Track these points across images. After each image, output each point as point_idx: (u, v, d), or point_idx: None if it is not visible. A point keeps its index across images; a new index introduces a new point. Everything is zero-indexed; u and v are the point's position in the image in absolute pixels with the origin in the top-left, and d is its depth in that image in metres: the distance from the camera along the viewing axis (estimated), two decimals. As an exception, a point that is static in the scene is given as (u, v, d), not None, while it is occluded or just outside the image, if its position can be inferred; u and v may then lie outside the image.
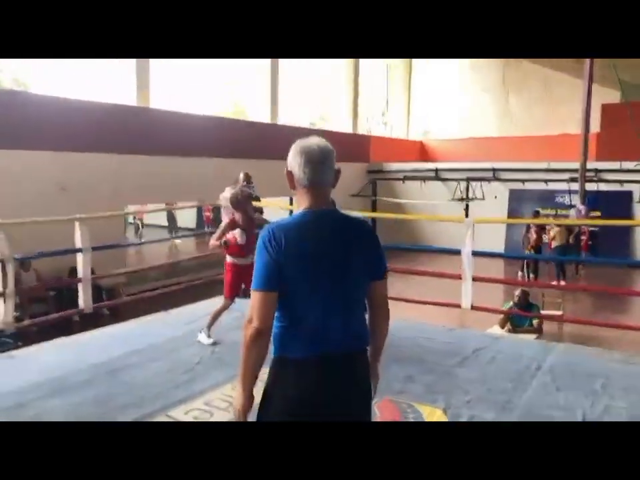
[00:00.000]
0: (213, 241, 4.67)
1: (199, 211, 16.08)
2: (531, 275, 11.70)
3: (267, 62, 14.50)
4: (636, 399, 3.77)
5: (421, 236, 15.79)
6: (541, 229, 12.17)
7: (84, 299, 4.51)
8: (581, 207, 7.32)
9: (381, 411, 3.60)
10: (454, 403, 3.71)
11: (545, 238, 12.26)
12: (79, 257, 4.48)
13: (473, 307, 5.01)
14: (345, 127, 18.05)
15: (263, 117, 14.70)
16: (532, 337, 6.62)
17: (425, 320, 6.02)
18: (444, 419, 3.50)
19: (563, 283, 11.89)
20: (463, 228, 5.18)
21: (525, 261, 12.13)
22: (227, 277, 4.78)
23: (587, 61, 6.29)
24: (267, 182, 13.22)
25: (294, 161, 1.83)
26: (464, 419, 3.47)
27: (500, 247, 15.46)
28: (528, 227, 12.64)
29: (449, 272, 5.48)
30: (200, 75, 14.21)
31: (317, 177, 1.80)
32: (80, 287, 4.52)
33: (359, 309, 1.86)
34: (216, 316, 4.75)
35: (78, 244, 4.49)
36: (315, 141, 1.84)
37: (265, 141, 13.44)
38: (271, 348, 1.83)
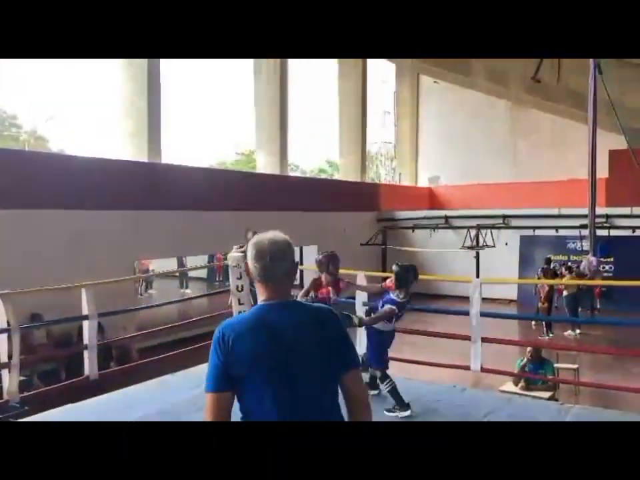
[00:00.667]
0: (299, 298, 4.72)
1: (210, 260, 16.15)
2: (544, 330, 11.52)
3: (275, 110, 14.81)
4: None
5: (432, 286, 15.67)
6: (552, 278, 12.04)
7: (89, 366, 4.50)
8: (592, 259, 7.21)
9: None
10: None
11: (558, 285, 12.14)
12: (85, 324, 4.50)
13: (482, 369, 4.91)
14: (353, 176, 18.25)
15: (272, 167, 14.91)
16: (546, 394, 6.45)
17: (440, 376, 5.90)
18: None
19: (578, 331, 11.70)
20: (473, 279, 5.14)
21: (537, 310, 11.97)
22: None
23: (590, 105, 6.35)
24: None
25: (249, 254, 1.85)
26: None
27: (513, 294, 15.32)
28: (539, 274, 12.53)
29: (458, 333, 5.40)
30: (207, 124, 14.53)
31: (267, 272, 1.79)
32: (85, 353, 4.52)
33: (322, 407, 1.76)
34: None
35: (84, 310, 4.51)
36: (268, 236, 1.85)
37: (273, 192, 13.62)
38: None
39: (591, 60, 6.93)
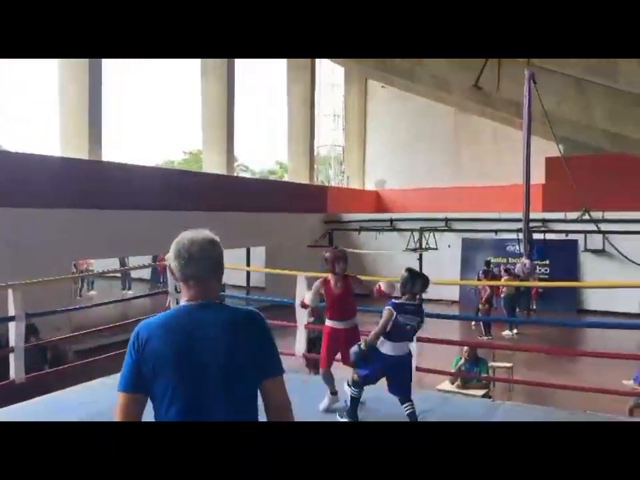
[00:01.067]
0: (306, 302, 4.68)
1: (154, 261, 15.83)
2: (483, 330, 11.88)
3: (223, 107, 14.68)
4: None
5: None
6: (492, 280, 12.45)
7: (15, 369, 4.31)
8: (526, 261, 7.46)
9: None
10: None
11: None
12: (11, 326, 4.31)
13: (417, 369, 5.01)
14: (302, 178, 18.30)
15: (219, 167, 14.77)
16: (481, 392, 6.66)
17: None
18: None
19: (515, 331, 12.12)
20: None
21: (478, 311, 12.34)
22: (323, 343, 4.63)
23: (525, 114, 6.58)
24: (225, 235, 13.21)
25: (170, 252, 1.80)
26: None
27: (455, 296, 15.73)
28: (479, 276, 12.92)
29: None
30: (155, 123, 14.30)
31: (187, 271, 1.75)
32: (11, 356, 4.33)
33: (236, 411, 1.71)
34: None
35: (11, 311, 4.32)
36: (189, 235, 1.80)
37: (219, 192, 13.49)
38: None
39: (526, 69, 7.19)
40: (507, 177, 18.64)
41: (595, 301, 14.21)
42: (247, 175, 26.64)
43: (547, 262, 15.01)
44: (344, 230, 17.66)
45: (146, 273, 17.09)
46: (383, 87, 21.51)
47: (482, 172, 20.32)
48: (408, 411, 4.15)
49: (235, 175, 19.02)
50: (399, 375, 4.16)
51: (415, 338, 4.54)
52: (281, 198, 16.02)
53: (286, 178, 20.32)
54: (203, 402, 1.66)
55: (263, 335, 1.78)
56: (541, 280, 14.27)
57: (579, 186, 9.76)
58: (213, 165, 14.76)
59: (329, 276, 4.61)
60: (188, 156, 29.31)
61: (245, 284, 15.47)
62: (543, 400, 7.11)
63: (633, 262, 7.94)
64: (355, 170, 23.17)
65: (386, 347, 4.08)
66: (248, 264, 15.38)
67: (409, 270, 4.15)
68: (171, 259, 1.78)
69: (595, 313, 13.99)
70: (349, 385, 4.33)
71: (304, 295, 5.52)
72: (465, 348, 7.07)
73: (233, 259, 15.08)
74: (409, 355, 4.24)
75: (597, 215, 12.20)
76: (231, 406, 1.69)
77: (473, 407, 5.07)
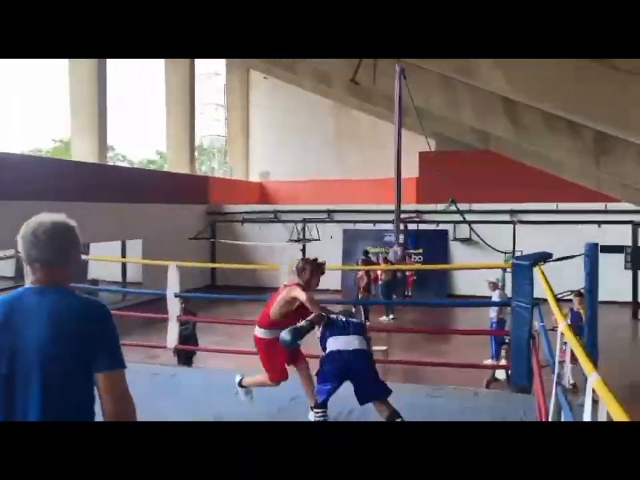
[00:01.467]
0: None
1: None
2: (362, 316, 12.29)
3: (93, 93, 13.84)
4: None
5: (257, 278, 15.86)
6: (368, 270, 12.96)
7: None
8: (397, 249, 7.89)
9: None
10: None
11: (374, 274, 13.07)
12: None
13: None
14: (182, 168, 17.77)
15: (90, 155, 13.91)
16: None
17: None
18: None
19: (391, 316, 12.72)
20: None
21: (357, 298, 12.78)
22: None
23: (396, 109, 6.88)
24: (97, 226, 12.49)
25: (19, 233, 1.76)
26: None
27: (337, 285, 16.14)
28: (358, 265, 13.39)
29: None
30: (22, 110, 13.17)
31: (29, 254, 1.73)
32: None
33: (65, 402, 1.67)
34: None
35: None
36: (38, 218, 1.77)
37: (90, 182, 12.73)
38: None
39: (397, 65, 7.50)
40: (385, 170, 19.44)
41: (463, 286, 15.25)
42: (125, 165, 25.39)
43: (421, 250, 15.87)
44: (227, 221, 17.43)
45: (9, 270, 15.73)
46: (265, 77, 21.43)
47: (363, 165, 20.98)
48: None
49: (112, 164, 18.07)
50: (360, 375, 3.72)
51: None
52: (159, 188, 15.45)
53: (166, 168, 19.62)
54: (11, 387, 1.63)
55: (99, 326, 1.72)
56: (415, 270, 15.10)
57: (448, 179, 10.44)
58: (83, 154, 13.86)
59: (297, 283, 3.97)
60: (58, 144, 27.32)
61: (120, 279, 14.73)
62: (418, 379, 7.53)
63: (494, 249, 8.59)
64: (238, 161, 22.91)
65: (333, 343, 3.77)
66: (123, 255, 14.67)
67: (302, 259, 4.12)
68: (18, 241, 1.74)
69: (463, 296, 15.04)
70: (312, 408, 3.88)
71: (175, 285, 5.37)
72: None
73: (107, 253, 14.31)
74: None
75: (464, 206, 13.11)
76: (48, 398, 1.63)
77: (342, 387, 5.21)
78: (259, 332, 4.07)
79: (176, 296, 5.38)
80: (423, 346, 10.05)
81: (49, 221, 1.75)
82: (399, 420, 3.55)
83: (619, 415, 1.48)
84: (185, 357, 6.02)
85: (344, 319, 3.87)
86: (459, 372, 7.02)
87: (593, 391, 1.81)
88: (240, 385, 4.35)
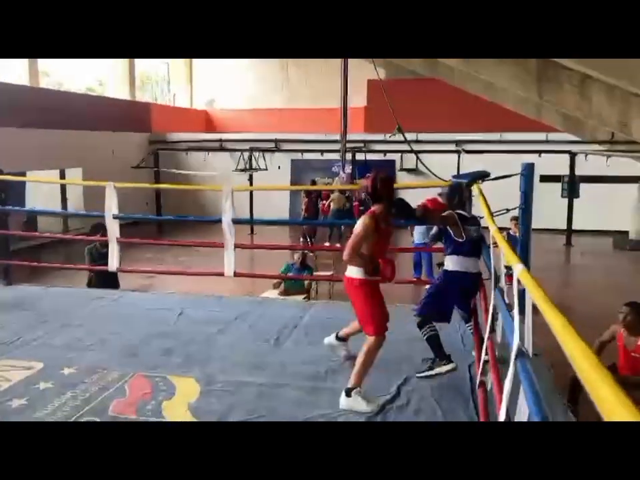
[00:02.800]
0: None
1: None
2: (308, 240, 12.43)
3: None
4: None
5: (207, 207, 15.64)
6: (316, 197, 12.98)
7: None
8: (343, 175, 7.93)
9: (132, 388, 3.48)
10: (209, 370, 3.75)
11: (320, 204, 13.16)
12: None
13: (236, 274, 5.09)
14: (122, 94, 16.93)
15: (18, 77, 13.02)
16: (301, 296, 7.01)
17: (213, 291, 6.02)
18: (197, 387, 3.52)
19: (338, 245, 12.89)
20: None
21: (304, 226, 12.86)
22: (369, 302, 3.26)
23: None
24: (31, 154, 11.87)
25: None
26: (218, 385, 3.53)
27: (285, 215, 16.15)
28: (303, 195, 13.44)
29: (211, 241, 5.50)
30: None
31: None
32: None
33: None
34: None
35: None
36: None
37: (24, 106, 11.97)
38: None
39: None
40: (334, 100, 19.13)
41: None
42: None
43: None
44: (171, 150, 16.90)
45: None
46: None
47: (312, 94, 20.53)
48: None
49: (47, 88, 16.95)
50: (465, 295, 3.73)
51: None
52: (99, 115, 14.72)
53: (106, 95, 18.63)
54: None
55: None
56: (361, 200, 15.17)
57: (396, 108, 10.37)
58: (11, 75, 12.95)
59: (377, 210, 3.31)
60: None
61: (60, 209, 14.17)
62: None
63: (441, 179, 8.71)
64: (182, 88, 21.99)
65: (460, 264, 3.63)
66: (62, 188, 14.10)
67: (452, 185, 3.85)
68: None
69: (408, 226, 15.34)
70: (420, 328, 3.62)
71: (114, 206, 5.23)
72: (296, 255, 7.35)
73: (45, 186, 13.67)
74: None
75: (411, 136, 13.12)
76: None
77: (288, 308, 5.33)
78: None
79: (115, 217, 5.24)
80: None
81: None
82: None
83: (543, 300, 1.55)
84: (104, 279, 5.86)
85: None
86: (402, 292, 7.28)
87: (519, 281, 1.90)
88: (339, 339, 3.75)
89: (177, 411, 3.19)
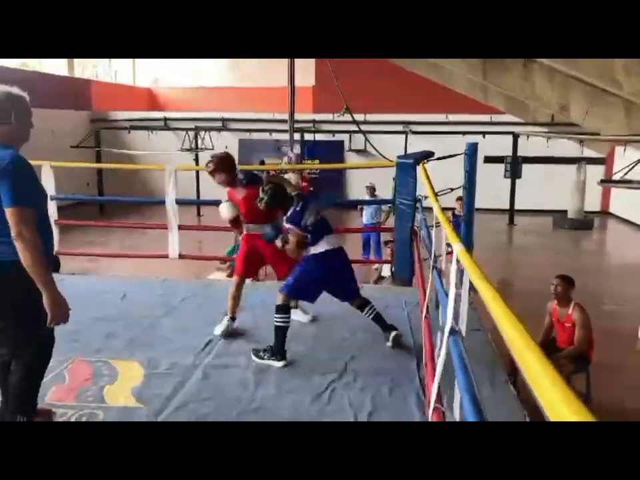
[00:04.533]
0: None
1: None
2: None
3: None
4: (319, 317, 4.24)
5: (151, 188, 15.24)
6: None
7: None
8: (291, 155, 7.87)
9: (71, 373, 3.37)
10: (153, 353, 3.66)
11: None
12: None
13: (181, 256, 4.98)
14: (60, 70, 16.17)
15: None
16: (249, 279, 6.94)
17: (159, 274, 5.86)
18: (141, 371, 3.44)
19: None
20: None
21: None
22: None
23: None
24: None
25: None
26: (162, 368, 3.46)
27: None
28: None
29: (154, 223, 5.36)
30: None
31: None
32: None
33: None
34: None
35: None
36: None
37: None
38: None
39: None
40: (283, 79, 18.90)
41: (356, 196, 15.62)
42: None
43: (317, 161, 15.89)
44: (112, 129, 16.32)
45: None
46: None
47: (260, 73, 20.20)
48: (371, 316, 3.75)
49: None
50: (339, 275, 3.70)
51: None
52: (35, 92, 13.96)
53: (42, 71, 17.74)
54: None
55: (3, 171, 2.21)
56: (311, 178, 15.15)
57: (344, 88, 10.33)
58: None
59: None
60: None
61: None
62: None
63: (388, 160, 8.79)
64: (124, 65, 21.19)
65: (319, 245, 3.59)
66: None
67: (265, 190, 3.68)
68: None
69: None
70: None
71: (51, 186, 5.00)
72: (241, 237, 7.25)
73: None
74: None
75: (359, 117, 13.14)
76: None
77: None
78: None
79: (52, 199, 5.02)
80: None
81: None
82: (371, 307, 3.75)
83: (478, 277, 1.56)
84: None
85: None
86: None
87: (458, 261, 1.92)
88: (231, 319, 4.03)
89: (120, 395, 3.11)
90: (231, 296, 4.01)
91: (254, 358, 3.54)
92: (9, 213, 2.21)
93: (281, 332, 3.51)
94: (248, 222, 4.02)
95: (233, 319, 4.01)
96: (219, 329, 3.93)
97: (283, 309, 3.54)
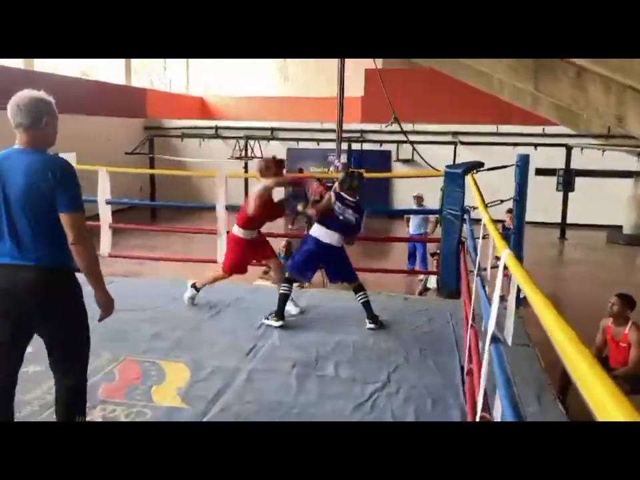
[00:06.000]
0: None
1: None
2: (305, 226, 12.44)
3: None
4: (364, 326, 4.23)
5: (202, 194, 15.58)
6: (324, 185, 12.98)
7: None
8: (338, 163, 7.92)
9: (121, 372, 3.47)
10: (199, 355, 3.74)
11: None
12: None
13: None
14: (118, 79, 16.78)
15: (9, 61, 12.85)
16: (295, 284, 6.99)
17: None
18: (187, 372, 3.51)
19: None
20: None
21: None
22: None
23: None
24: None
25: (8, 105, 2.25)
26: (207, 370, 3.52)
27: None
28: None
29: (204, 228, 5.48)
30: None
31: (15, 120, 2.25)
32: None
33: (42, 232, 2.23)
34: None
35: None
36: (22, 92, 2.27)
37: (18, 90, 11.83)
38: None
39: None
40: (331, 89, 19.03)
41: (403, 204, 15.50)
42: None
43: (364, 171, 15.90)
44: (166, 137, 16.79)
45: None
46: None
47: (309, 83, 20.43)
48: (362, 300, 4.30)
49: (40, 71, 16.80)
50: (334, 262, 4.31)
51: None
52: (93, 99, 14.58)
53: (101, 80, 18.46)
54: (10, 220, 2.21)
55: (60, 177, 2.21)
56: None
57: (393, 98, 10.31)
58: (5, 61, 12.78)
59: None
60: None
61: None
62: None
63: (436, 170, 8.73)
64: (178, 74, 21.83)
65: (320, 233, 4.18)
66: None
67: (347, 170, 4.56)
68: (7, 110, 2.25)
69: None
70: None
71: (106, 191, 5.18)
72: (283, 243, 7.34)
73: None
74: (342, 248, 4.31)
75: (407, 126, 13.07)
76: (35, 228, 2.22)
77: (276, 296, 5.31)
78: (236, 230, 4.42)
79: (107, 203, 5.20)
80: (363, 260, 10.30)
81: (24, 95, 2.26)
82: (363, 293, 4.31)
83: (529, 284, 1.53)
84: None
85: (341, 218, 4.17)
86: (395, 282, 7.28)
87: (505, 267, 1.88)
88: (193, 287, 4.67)
89: (167, 395, 3.19)
90: (212, 278, 4.62)
91: (262, 320, 4.24)
92: (68, 218, 2.21)
93: (282, 298, 4.25)
94: (251, 226, 4.39)
95: (197, 289, 4.61)
96: (186, 296, 4.59)
97: (287, 281, 4.29)
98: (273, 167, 4.38)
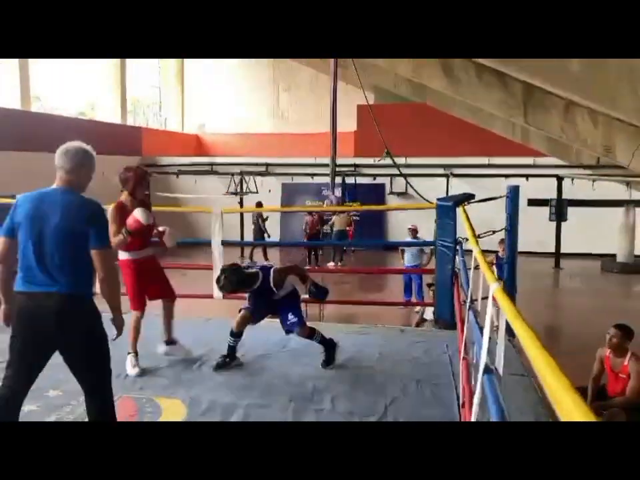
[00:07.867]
0: (114, 238, 3.63)
1: None
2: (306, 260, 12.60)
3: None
4: (360, 359, 4.23)
5: (199, 230, 15.64)
6: (319, 218, 13.21)
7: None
8: (332, 197, 8.03)
9: (118, 409, 3.44)
10: (195, 391, 3.72)
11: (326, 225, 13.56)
12: None
13: (224, 297, 5.08)
14: (114, 118, 17.04)
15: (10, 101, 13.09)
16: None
17: (201, 314, 5.97)
18: (183, 408, 3.50)
19: (339, 263, 13.01)
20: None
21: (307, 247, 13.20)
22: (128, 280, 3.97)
23: (332, 61, 6.82)
24: (21, 176, 11.86)
25: None
26: (203, 406, 3.51)
27: (276, 239, 16.17)
28: (307, 219, 13.67)
29: (199, 264, 5.51)
30: None
31: (57, 162, 2.60)
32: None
33: (72, 263, 2.49)
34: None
35: None
36: (66, 143, 2.66)
37: (16, 131, 12.02)
38: None
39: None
40: (324, 124, 19.33)
41: (399, 237, 15.60)
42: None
43: (358, 204, 16.05)
44: (161, 173, 16.95)
45: None
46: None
47: (301, 118, 20.77)
48: (318, 340, 4.17)
49: (37, 112, 17.06)
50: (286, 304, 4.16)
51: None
52: (90, 139, 14.67)
53: (97, 119, 18.74)
54: (41, 252, 2.47)
55: (91, 216, 2.55)
56: (354, 221, 15.26)
57: (385, 133, 10.51)
58: (2, 99, 13.02)
59: (123, 199, 4.01)
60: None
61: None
62: (351, 321, 7.73)
63: (429, 202, 8.84)
64: (173, 112, 22.17)
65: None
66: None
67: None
68: (56, 155, 2.61)
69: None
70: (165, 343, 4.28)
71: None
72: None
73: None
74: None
75: (400, 160, 13.27)
76: (65, 261, 2.48)
77: (277, 330, 5.30)
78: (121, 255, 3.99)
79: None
80: (357, 294, 10.33)
81: (69, 146, 2.63)
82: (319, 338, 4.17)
83: (515, 317, 1.58)
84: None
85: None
86: (392, 314, 7.28)
87: (494, 299, 1.93)
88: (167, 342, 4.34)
89: (162, 432, 3.17)
90: (135, 330, 4.02)
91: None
92: (99, 253, 2.50)
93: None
94: (140, 247, 3.98)
95: (136, 354, 4.05)
96: (130, 369, 3.97)
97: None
98: (130, 180, 4.01)
